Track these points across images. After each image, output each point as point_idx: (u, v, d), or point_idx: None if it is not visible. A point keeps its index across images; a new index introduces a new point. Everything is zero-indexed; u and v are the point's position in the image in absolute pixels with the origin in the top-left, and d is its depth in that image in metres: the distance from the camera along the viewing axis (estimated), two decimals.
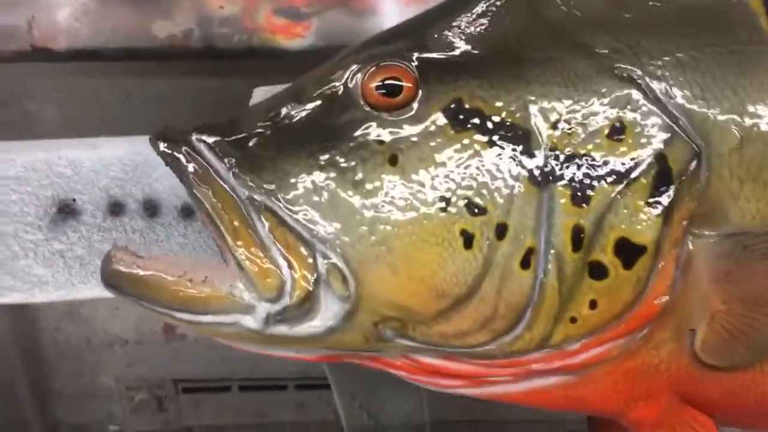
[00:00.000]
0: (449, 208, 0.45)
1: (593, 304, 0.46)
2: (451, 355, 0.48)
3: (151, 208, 0.64)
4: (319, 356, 0.49)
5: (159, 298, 0.46)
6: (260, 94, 0.76)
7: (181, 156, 0.46)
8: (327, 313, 0.45)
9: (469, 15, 0.49)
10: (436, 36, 0.48)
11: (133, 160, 0.64)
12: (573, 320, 0.46)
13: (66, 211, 0.64)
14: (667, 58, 0.47)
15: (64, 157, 0.63)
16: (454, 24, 0.49)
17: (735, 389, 0.50)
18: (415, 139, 0.46)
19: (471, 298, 0.45)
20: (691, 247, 0.47)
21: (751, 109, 0.46)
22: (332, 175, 0.45)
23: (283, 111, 0.48)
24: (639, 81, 0.46)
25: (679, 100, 0.46)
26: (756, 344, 0.47)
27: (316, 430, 1.17)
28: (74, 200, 0.64)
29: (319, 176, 0.45)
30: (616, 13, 0.48)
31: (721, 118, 0.46)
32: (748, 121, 0.46)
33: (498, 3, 0.49)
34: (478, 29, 0.48)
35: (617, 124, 0.46)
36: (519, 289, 0.45)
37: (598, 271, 0.45)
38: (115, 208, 0.64)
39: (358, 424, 1.01)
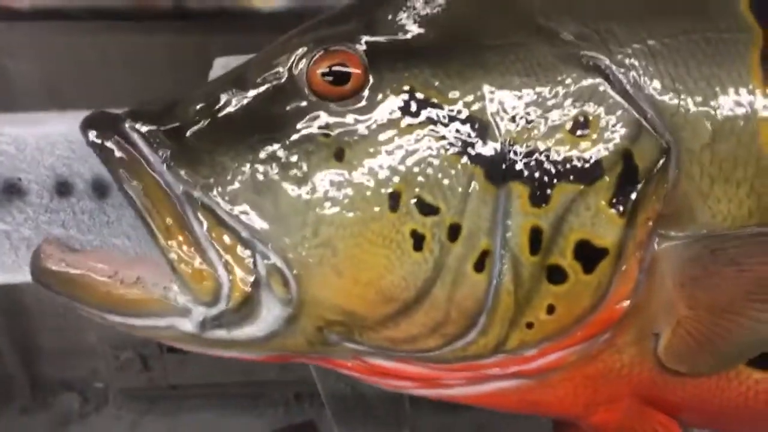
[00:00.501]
0: (399, 208, 0.42)
1: (551, 309, 0.43)
2: (402, 358, 0.46)
3: (100, 188, 0.60)
4: (265, 357, 0.46)
5: (89, 300, 0.43)
6: (221, 63, 0.72)
7: (111, 146, 0.43)
8: (268, 318, 0.43)
9: None
10: (388, 17, 0.45)
11: (79, 138, 0.59)
12: (529, 326, 0.43)
13: (11, 191, 0.61)
14: (637, 46, 0.43)
15: (7, 134, 0.60)
16: (409, 4, 0.45)
17: (700, 394, 0.48)
18: (363, 131, 0.42)
19: (421, 303, 0.43)
20: (656, 248, 0.44)
21: (726, 102, 0.43)
22: (274, 170, 0.42)
23: (224, 98, 0.44)
24: (606, 71, 0.43)
25: (649, 92, 0.43)
26: (723, 352, 0.44)
27: (300, 388, 1.17)
28: (19, 179, 0.60)
29: (259, 171, 0.42)
30: None
31: (693, 112, 0.43)
32: (722, 116, 0.43)
33: None
34: (435, 10, 0.45)
35: (581, 118, 0.42)
36: (472, 294, 0.43)
37: (556, 275, 0.43)
38: (63, 188, 0.60)
39: (336, 393, 0.99)
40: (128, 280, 0.43)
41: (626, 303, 0.44)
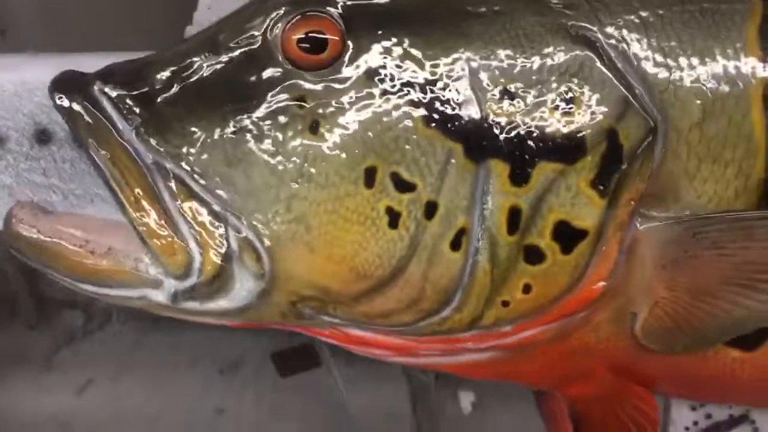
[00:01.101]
0: (374, 184, 0.41)
1: (527, 288, 0.42)
2: (377, 330, 0.46)
3: None
4: (240, 324, 0.46)
5: (60, 268, 0.43)
6: (207, 1, 0.70)
7: (78, 110, 0.42)
8: (241, 291, 0.42)
9: None
10: None
11: None
12: (505, 303, 0.43)
13: None
14: (629, 17, 0.41)
15: None
16: None
17: (677, 370, 0.48)
18: (338, 103, 0.41)
19: (396, 280, 0.42)
20: (637, 228, 0.43)
21: (719, 79, 0.41)
22: (246, 141, 0.41)
23: (196, 62, 0.43)
24: (595, 42, 0.41)
25: (639, 67, 0.41)
26: (701, 334, 0.44)
27: None
28: None
29: (231, 142, 0.41)
30: None
31: (684, 89, 0.41)
32: (714, 94, 0.41)
33: None
34: None
35: (566, 94, 0.41)
36: (448, 272, 0.42)
37: (534, 255, 0.42)
38: (42, 136, 0.59)
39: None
40: (99, 251, 0.42)
41: (604, 283, 0.43)
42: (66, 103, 0.42)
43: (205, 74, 0.42)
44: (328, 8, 0.41)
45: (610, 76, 0.41)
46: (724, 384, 0.47)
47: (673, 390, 0.52)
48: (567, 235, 0.41)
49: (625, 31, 0.41)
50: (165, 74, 0.43)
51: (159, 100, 0.42)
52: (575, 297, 0.43)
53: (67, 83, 0.43)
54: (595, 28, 0.41)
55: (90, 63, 0.60)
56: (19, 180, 0.60)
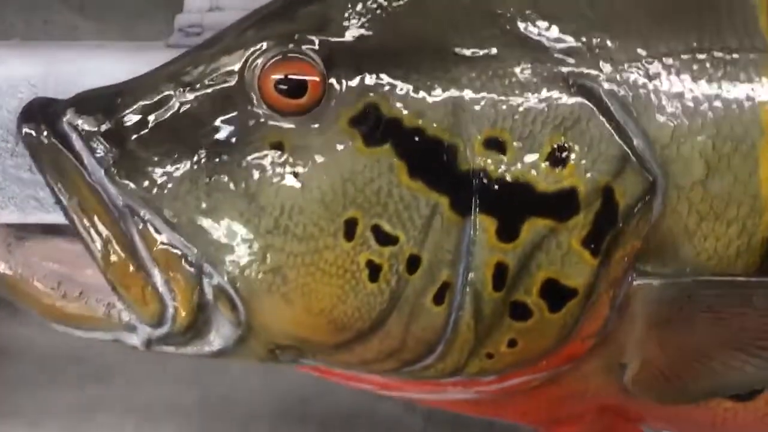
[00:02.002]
0: (355, 236, 0.39)
1: (512, 343, 0.41)
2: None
3: None
4: None
5: (31, 306, 0.41)
6: None
7: (45, 145, 0.39)
8: (216, 338, 0.41)
9: None
10: (349, 12, 0.39)
11: (43, 81, 0.57)
12: (489, 356, 0.41)
13: None
14: (632, 66, 0.38)
15: None
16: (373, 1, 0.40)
17: (667, 416, 0.46)
18: (318, 150, 0.39)
19: (376, 332, 0.40)
20: (631, 283, 0.41)
21: (728, 134, 0.38)
22: (221, 188, 0.39)
23: (171, 97, 0.40)
24: (594, 93, 0.38)
25: (640, 119, 0.38)
26: (692, 391, 0.42)
27: None
28: None
29: (205, 188, 0.39)
30: (580, 0, 0.39)
31: (688, 143, 0.39)
32: (721, 150, 0.38)
33: None
34: (401, 9, 0.39)
35: (560, 147, 0.38)
36: (430, 325, 0.40)
37: (520, 311, 0.40)
38: None
39: None
40: (72, 293, 0.41)
41: (593, 340, 0.41)
42: (33, 137, 0.40)
43: (179, 111, 0.40)
44: (310, 48, 0.38)
45: (609, 129, 0.38)
46: (716, 430, 0.46)
47: (662, 427, 0.50)
48: (555, 294, 0.40)
49: (627, 81, 0.38)
50: (138, 109, 0.40)
51: (132, 138, 0.40)
52: (563, 352, 0.41)
53: (36, 113, 0.40)
54: (595, 78, 0.38)
55: (75, 55, 0.58)
56: (5, 176, 0.60)
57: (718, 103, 0.38)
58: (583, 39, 0.38)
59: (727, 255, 0.40)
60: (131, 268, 0.40)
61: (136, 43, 0.63)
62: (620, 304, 0.41)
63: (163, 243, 0.40)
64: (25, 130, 0.40)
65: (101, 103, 0.41)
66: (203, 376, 0.84)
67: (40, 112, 0.41)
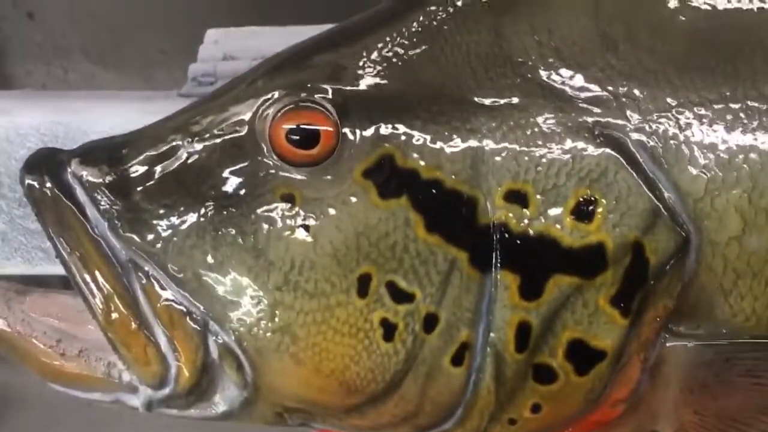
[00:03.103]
0: (368, 293, 0.37)
1: (536, 408, 0.38)
2: None
3: None
4: None
5: (29, 365, 0.39)
6: (213, 35, 0.66)
7: (48, 199, 0.38)
8: (221, 400, 0.39)
9: (411, 32, 0.38)
10: (363, 60, 0.38)
11: (52, 131, 0.56)
12: (512, 422, 0.39)
13: None
14: (662, 115, 0.36)
15: None
16: (390, 44, 0.38)
17: None
18: (330, 203, 0.37)
19: (390, 395, 0.38)
20: (664, 344, 0.38)
21: (765, 188, 0.36)
22: (229, 242, 0.37)
23: (179, 147, 0.39)
24: (621, 145, 0.36)
25: (671, 172, 0.36)
26: None
27: None
28: None
29: (213, 242, 0.37)
30: (605, 47, 0.37)
31: (722, 197, 0.36)
32: (758, 204, 0.36)
33: (449, 19, 0.38)
34: (419, 57, 0.38)
35: (586, 201, 0.36)
36: (448, 388, 0.38)
37: (544, 374, 0.38)
38: None
39: None
40: (71, 352, 0.39)
41: (623, 406, 0.39)
42: (36, 190, 0.38)
43: (186, 162, 0.38)
44: (322, 97, 0.37)
45: (638, 182, 0.36)
46: None
47: None
48: (583, 356, 0.37)
49: (656, 131, 0.36)
50: (144, 160, 0.39)
51: (137, 190, 0.38)
52: (591, 418, 0.39)
53: (39, 164, 0.39)
54: (622, 128, 0.36)
55: (85, 105, 0.57)
56: (13, 226, 0.58)
57: (753, 155, 0.36)
58: (609, 88, 0.37)
59: (766, 315, 0.38)
60: (133, 325, 0.38)
61: (148, 93, 0.62)
62: (652, 368, 0.38)
63: (167, 299, 0.38)
64: (27, 181, 0.39)
65: (107, 153, 0.39)
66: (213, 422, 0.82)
67: (44, 163, 0.39)
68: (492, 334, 0.37)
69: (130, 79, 1.10)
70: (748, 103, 0.36)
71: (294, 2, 0.92)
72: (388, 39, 0.38)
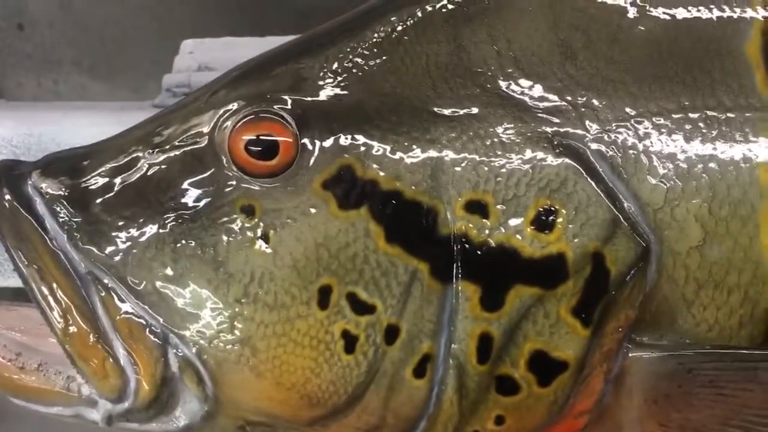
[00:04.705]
0: (329, 305, 0.36)
1: (500, 420, 0.38)
2: None
3: None
4: None
5: None
6: (189, 45, 0.66)
7: (6, 211, 0.38)
8: (182, 414, 0.38)
9: (371, 43, 0.38)
10: (324, 71, 0.38)
11: (24, 142, 0.55)
12: None
13: None
14: (621, 125, 0.36)
15: None
16: (350, 56, 0.38)
17: None
18: (290, 215, 0.37)
19: (352, 408, 0.38)
20: (627, 355, 0.38)
21: (725, 197, 0.36)
22: (188, 254, 0.37)
23: (140, 159, 0.38)
24: (581, 154, 0.36)
25: (631, 182, 0.36)
26: None
27: None
28: None
29: (172, 254, 0.37)
30: (564, 57, 0.37)
31: (682, 207, 0.36)
32: (718, 214, 0.36)
33: (409, 29, 0.38)
34: (378, 68, 0.38)
35: (546, 211, 0.36)
36: (410, 401, 0.38)
37: (507, 386, 0.37)
38: None
39: None
40: (30, 366, 0.39)
41: (586, 417, 0.38)
42: None
43: (146, 174, 0.38)
44: (282, 108, 0.37)
45: (598, 192, 0.36)
46: None
47: None
48: (545, 367, 0.37)
49: (616, 141, 0.36)
50: (105, 171, 0.39)
51: (97, 202, 0.38)
52: (555, 430, 0.39)
53: (1, 176, 0.39)
54: (581, 137, 0.36)
55: (58, 116, 0.57)
56: None
57: (713, 164, 0.36)
58: (568, 98, 0.37)
59: (729, 325, 0.37)
60: (91, 338, 0.37)
61: (121, 103, 0.62)
62: (615, 378, 0.38)
63: (126, 312, 0.37)
64: None
65: (68, 165, 0.39)
66: None
67: (4, 175, 0.39)
68: (454, 346, 0.37)
69: (121, 91, 1.10)
70: (707, 112, 0.36)
71: (285, 12, 0.92)
72: (348, 49, 0.38)
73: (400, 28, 0.38)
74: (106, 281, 0.37)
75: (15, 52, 1.12)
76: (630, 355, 0.38)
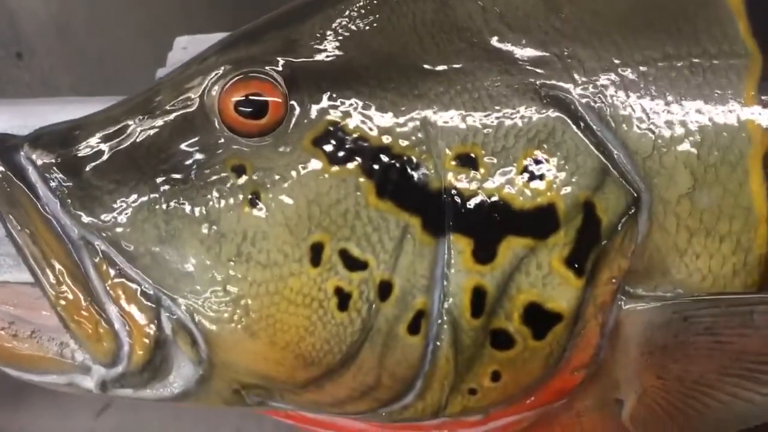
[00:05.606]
0: (321, 262, 0.36)
1: (496, 376, 0.38)
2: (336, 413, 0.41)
3: None
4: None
5: None
6: (182, 42, 0.66)
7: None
8: (177, 378, 0.38)
9: (358, 4, 0.39)
10: (313, 35, 0.38)
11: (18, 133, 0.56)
12: (472, 391, 0.38)
13: None
14: (607, 75, 0.37)
15: None
16: (336, 18, 0.38)
17: None
18: (281, 173, 0.37)
19: (347, 367, 0.37)
20: (621, 308, 0.38)
21: (712, 144, 0.36)
22: (180, 215, 0.37)
23: (131, 126, 0.39)
24: (567, 104, 0.36)
25: (619, 131, 0.36)
26: (696, 427, 0.39)
27: None
28: None
29: (164, 216, 0.37)
30: (549, 9, 0.38)
31: (671, 155, 0.36)
32: (707, 161, 0.36)
33: None
34: (366, 27, 0.38)
35: (535, 162, 0.36)
36: (405, 358, 0.37)
37: (502, 340, 0.37)
38: None
39: None
40: (23, 333, 0.38)
41: (584, 371, 0.38)
42: None
43: (137, 140, 0.38)
44: (271, 68, 0.37)
45: (586, 141, 0.36)
46: None
47: None
48: (539, 319, 0.37)
49: (602, 91, 0.36)
50: (96, 139, 0.39)
51: (87, 168, 0.38)
52: (551, 385, 0.38)
53: None
54: (568, 88, 0.36)
55: (51, 110, 0.57)
56: None
57: (700, 111, 0.36)
58: (554, 50, 0.37)
59: (723, 274, 0.37)
60: (84, 302, 0.37)
61: (116, 98, 0.62)
62: (611, 331, 0.38)
63: (118, 275, 0.37)
64: None
65: (59, 135, 0.40)
66: None
67: None
68: (448, 300, 0.37)
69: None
70: (693, 60, 0.36)
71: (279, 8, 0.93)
72: (336, 11, 0.39)
73: None
74: (98, 245, 0.37)
75: (14, 80, 1.13)
76: (624, 307, 0.38)
